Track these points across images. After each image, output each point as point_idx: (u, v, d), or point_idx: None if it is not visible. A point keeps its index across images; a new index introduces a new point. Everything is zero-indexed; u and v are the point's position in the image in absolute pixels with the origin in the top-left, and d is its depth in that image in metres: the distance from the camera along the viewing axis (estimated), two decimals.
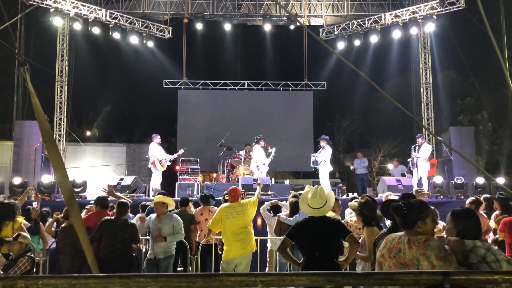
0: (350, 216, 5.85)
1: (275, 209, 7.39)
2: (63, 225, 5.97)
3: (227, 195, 6.39)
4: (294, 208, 6.61)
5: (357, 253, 4.51)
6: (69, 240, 5.68)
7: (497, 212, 6.20)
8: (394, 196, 6.22)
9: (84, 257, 5.43)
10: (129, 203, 6.17)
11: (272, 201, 7.55)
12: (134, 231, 5.88)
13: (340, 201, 6.41)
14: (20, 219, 6.26)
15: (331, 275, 1.37)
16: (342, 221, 5.23)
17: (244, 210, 5.92)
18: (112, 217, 5.87)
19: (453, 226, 2.84)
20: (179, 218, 6.22)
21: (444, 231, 2.94)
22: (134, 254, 6.02)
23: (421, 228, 2.72)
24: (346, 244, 4.60)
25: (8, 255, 5.34)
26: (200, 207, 7.66)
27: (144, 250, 6.99)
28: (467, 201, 6.67)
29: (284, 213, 6.98)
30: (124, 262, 5.59)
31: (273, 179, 12.93)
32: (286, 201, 7.37)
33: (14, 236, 5.26)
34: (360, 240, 4.56)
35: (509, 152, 21.72)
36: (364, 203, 4.35)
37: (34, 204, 7.13)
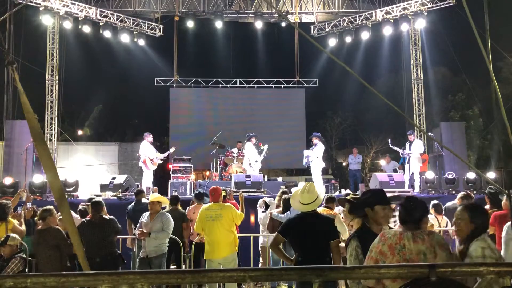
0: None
1: (267, 205, 7.47)
2: (39, 227, 5.67)
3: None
4: (286, 205, 6.64)
5: None
6: (51, 242, 5.45)
7: (487, 206, 6.27)
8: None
9: (66, 256, 5.38)
10: (103, 201, 6.08)
11: (264, 198, 7.66)
12: (114, 225, 5.83)
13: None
14: (14, 220, 6.16)
15: (319, 269, 1.39)
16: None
17: (223, 213, 5.71)
18: (88, 219, 5.78)
19: (469, 221, 2.79)
20: (170, 216, 6.19)
21: (454, 226, 2.92)
22: (118, 251, 5.95)
23: (425, 222, 2.83)
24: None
25: (0, 256, 5.30)
26: (193, 205, 7.66)
27: (135, 249, 6.98)
28: (458, 195, 6.74)
29: (276, 210, 7.01)
30: (110, 263, 5.52)
31: (266, 177, 12.94)
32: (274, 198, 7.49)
33: (2, 239, 5.16)
34: None
35: (499, 147, 21.87)
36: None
37: (29, 205, 7.07)
